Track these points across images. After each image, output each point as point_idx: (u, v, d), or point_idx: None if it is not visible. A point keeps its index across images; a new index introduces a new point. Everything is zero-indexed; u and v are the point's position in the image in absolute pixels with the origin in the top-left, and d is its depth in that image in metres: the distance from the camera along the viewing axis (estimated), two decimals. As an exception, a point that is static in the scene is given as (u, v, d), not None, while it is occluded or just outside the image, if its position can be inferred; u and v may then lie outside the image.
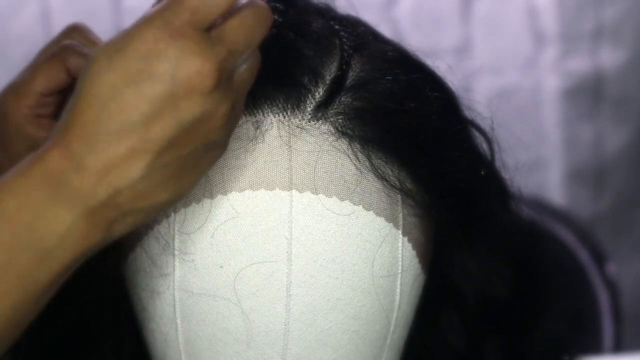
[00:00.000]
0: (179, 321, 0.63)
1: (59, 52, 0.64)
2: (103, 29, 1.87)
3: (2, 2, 1.57)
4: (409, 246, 0.63)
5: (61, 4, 1.57)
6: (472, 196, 0.66)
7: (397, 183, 0.62)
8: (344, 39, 0.64)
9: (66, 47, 0.64)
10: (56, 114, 0.65)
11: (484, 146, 0.69)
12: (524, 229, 0.74)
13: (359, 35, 0.66)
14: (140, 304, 0.65)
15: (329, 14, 0.67)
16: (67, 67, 0.64)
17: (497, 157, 0.70)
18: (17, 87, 0.65)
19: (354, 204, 0.60)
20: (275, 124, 0.60)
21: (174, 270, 0.62)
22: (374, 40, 0.66)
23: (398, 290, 0.63)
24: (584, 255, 1.27)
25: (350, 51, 0.63)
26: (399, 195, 0.62)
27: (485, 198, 0.67)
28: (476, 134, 0.69)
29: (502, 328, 0.73)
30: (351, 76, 0.62)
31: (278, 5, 0.65)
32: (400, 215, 0.62)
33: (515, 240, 0.71)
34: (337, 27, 0.65)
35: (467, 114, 0.69)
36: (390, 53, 0.65)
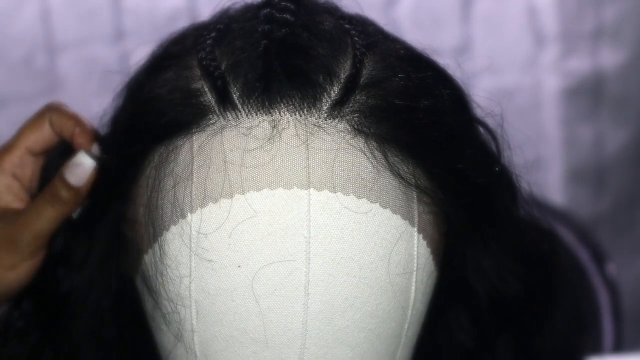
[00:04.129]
0: (194, 322, 0.62)
1: (42, 111, 0.68)
2: (103, 29, 1.86)
3: (2, 2, 1.57)
4: (424, 243, 0.63)
5: (61, 4, 1.57)
6: (486, 193, 0.66)
7: (413, 180, 0.62)
8: (356, 38, 0.64)
9: (49, 106, 0.68)
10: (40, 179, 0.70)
11: (491, 144, 0.70)
12: (537, 226, 0.74)
13: (370, 34, 0.66)
14: (154, 305, 0.65)
15: (337, 13, 0.67)
16: (51, 123, 0.67)
17: (504, 154, 0.70)
18: (4, 144, 0.68)
19: (371, 201, 0.60)
20: (292, 123, 0.60)
21: (190, 271, 0.61)
22: (384, 38, 0.66)
23: (413, 288, 0.63)
24: (584, 255, 1.27)
25: (363, 49, 0.63)
26: (414, 193, 0.62)
27: (499, 195, 0.67)
28: (483, 131, 0.69)
29: (514, 326, 0.73)
30: (365, 74, 0.62)
31: (289, 4, 0.65)
32: (416, 212, 0.62)
33: (529, 238, 0.71)
34: (347, 26, 0.65)
35: (475, 111, 0.70)
36: (401, 51, 0.65)
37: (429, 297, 0.66)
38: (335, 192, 0.60)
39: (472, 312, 0.72)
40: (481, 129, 0.69)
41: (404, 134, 0.61)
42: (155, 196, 0.62)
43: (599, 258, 1.28)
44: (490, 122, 0.69)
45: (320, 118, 0.60)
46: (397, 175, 0.61)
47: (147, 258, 0.63)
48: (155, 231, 0.62)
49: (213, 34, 0.65)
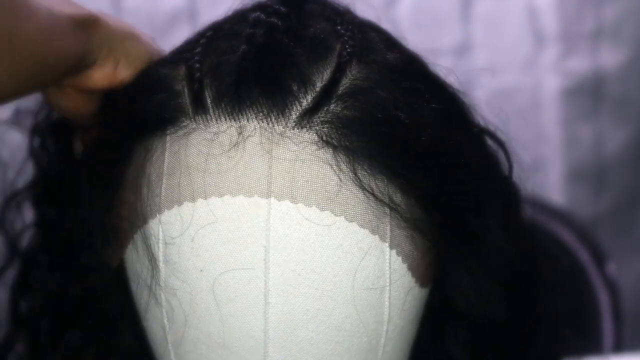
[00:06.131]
0: (166, 321, 0.63)
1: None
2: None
3: (2, 2, 1.56)
4: (398, 259, 0.61)
5: (61, 4, 1.56)
6: (465, 212, 0.64)
7: (384, 196, 0.60)
8: (346, 45, 0.62)
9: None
10: None
11: (499, 155, 0.68)
12: (523, 246, 0.71)
13: (366, 41, 0.64)
14: (137, 300, 0.65)
15: (342, 17, 0.65)
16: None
17: (512, 164, 0.68)
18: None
19: (335, 214, 0.59)
20: (258, 131, 0.59)
21: (159, 270, 0.61)
22: (381, 47, 0.64)
23: (387, 303, 0.62)
24: (584, 255, 1.27)
25: (348, 57, 0.62)
26: (386, 208, 0.60)
27: (480, 215, 0.65)
28: (492, 143, 0.68)
29: (500, 345, 0.72)
30: (344, 84, 0.60)
31: (280, 8, 0.64)
32: (388, 227, 0.60)
33: (511, 258, 0.68)
34: (342, 31, 0.63)
35: (482, 122, 0.67)
36: (393, 61, 0.63)
37: (413, 313, 0.64)
38: (296, 203, 0.59)
39: (460, 328, 0.71)
40: (489, 140, 0.67)
41: (376, 148, 0.59)
42: (131, 194, 0.63)
43: (599, 258, 1.28)
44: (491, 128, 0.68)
45: (287, 127, 0.59)
46: (366, 189, 0.59)
47: (127, 252, 0.64)
48: (130, 229, 0.63)
49: (208, 34, 0.65)
